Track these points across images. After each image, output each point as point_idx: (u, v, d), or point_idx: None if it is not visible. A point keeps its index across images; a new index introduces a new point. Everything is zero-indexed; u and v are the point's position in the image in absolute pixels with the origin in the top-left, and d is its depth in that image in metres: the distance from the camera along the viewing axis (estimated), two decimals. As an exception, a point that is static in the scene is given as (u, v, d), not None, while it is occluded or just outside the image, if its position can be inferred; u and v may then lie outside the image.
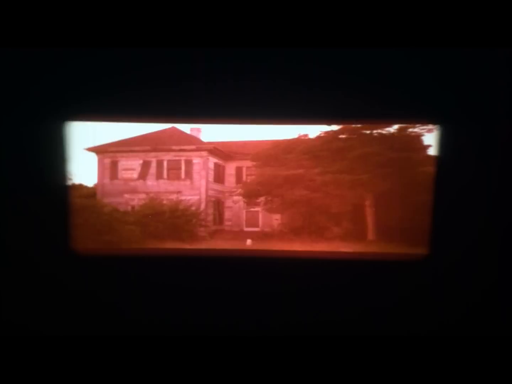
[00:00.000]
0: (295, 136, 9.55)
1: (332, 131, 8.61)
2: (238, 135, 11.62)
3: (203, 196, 10.35)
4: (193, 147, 10.51)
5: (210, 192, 10.71)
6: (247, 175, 11.69)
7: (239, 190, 11.22)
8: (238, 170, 11.73)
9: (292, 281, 1.54)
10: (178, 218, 8.47)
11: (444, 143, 1.42)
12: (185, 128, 11.22)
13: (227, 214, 11.59)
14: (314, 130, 10.73)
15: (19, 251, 1.56)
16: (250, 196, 9.75)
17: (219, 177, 11.39)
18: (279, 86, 1.44)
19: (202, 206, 10.01)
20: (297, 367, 1.52)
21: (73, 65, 1.46)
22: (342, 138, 8.66)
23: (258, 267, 1.57)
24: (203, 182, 10.48)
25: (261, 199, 9.78)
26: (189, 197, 10.15)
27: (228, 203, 11.70)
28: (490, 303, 1.48)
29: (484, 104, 1.41)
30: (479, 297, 1.48)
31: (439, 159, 1.43)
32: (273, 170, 8.29)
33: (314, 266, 1.56)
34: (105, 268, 1.62)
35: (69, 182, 1.59)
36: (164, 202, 9.29)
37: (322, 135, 8.74)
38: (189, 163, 10.46)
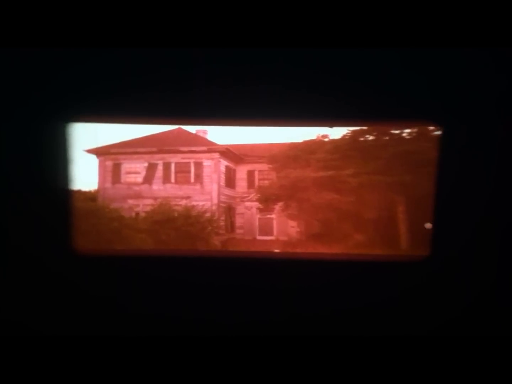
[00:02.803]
0: (303, 137, 8.84)
1: (360, 129, 7.85)
2: (244, 137, 10.86)
3: (215, 201, 9.47)
4: (204, 148, 9.63)
5: (221, 198, 9.86)
6: (259, 179, 10.90)
7: (252, 195, 10.42)
8: (250, 174, 10.91)
9: (291, 282, 1.52)
10: (192, 226, 7.58)
11: (445, 143, 1.44)
12: (190, 129, 10.43)
13: (238, 221, 10.75)
14: (336, 129, 10.02)
15: (21, 253, 1.54)
16: (268, 201, 8.88)
17: (230, 181, 10.54)
18: (279, 87, 1.43)
19: (215, 213, 9.13)
20: (296, 367, 1.46)
21: (74, 65, 1.46)
22: (372, 135, 7.91)
23: (257, 267, 1.60)
24: (215, 187, 9.60)
25: (280, 204, 8.91)
26: (199, 203, 9.27)
27: (240, 209, 10.87)
28: (490, 303, 1.46)
29: (485, 104, 1.40)
30: (479, 297, 1.46)
31: (440, 160, 1.45)
32: (299, 172, 7.45)
33: (313, 267, 1.58)
34: (111, 268, 1.62)
35: (71, 185, 1.59)
36: (175, 207, 8.39)
37: (349, 133, 7.99)
38: (199, 165, 9.58)
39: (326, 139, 8.52)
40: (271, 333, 1.45)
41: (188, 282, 1.52)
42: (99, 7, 1.27)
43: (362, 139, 7.84)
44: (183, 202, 9.03)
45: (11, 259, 1.52)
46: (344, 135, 8.00)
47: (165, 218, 7.53)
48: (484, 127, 1.39)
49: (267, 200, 9.02)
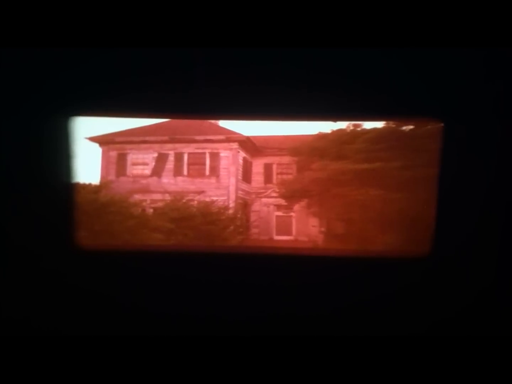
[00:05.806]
0: (329, 126, 7.95)
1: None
2: (256, 129, 10.03)
3: (232, 196, 8.50)
4: (221, 137, 8.64)
5: (239, 193, 8.90)
6: (278, 173, 10.00)
7: (270, 191, 9.49)
8: (267, 167, 9.96)
9: (291, 279, 1.56)
10: (212, 224, 6.62)
11: (445, 143, 1.47)
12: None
13: (253, 219, 9.82)
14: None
15: (23, 251, 1.56)
16: (294, 197, 7.94)
17: (246, 175, 9.58)
18: (281, 83, 1.51)
19: (236, 210, 8.17)
20: (294, 367, 1.52)
21: (75, 62, 1.51)
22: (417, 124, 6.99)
23: (256, 263, 1.63)
24: (233, 180, 8.62)
25: (306, 200, 7.98)
26: (213, 198, 8.31)
27: (255, 206, 9.94)
28: (490, 302, 1.52)
29: (484, 103, 1.47)
30: (479, 296, 1.52)
31: (441, 157, 1.48)
32: (339, 164, 6.50)
33: (314, 263, 1.62)
34: (115, 266, 1.63)
35: (74, 179, 1.60)
36: (192, 203, 7.41)
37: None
38: (215, 156, 8.59)
39: (358, 129, 7.61)
40: (266, 333, 1.46)
41: (192, 280, 1.50)
42: (98, 7, 1.29)
43: (406, 127, 6.94)
44: (197, 197, 8.08)
45: (12, 257, 1.53)
46: (388, 121, 7.08)
47: (181, 216, 6.55)
48: (484, 126, 1.41)
49: (292, 196, 8.06)
